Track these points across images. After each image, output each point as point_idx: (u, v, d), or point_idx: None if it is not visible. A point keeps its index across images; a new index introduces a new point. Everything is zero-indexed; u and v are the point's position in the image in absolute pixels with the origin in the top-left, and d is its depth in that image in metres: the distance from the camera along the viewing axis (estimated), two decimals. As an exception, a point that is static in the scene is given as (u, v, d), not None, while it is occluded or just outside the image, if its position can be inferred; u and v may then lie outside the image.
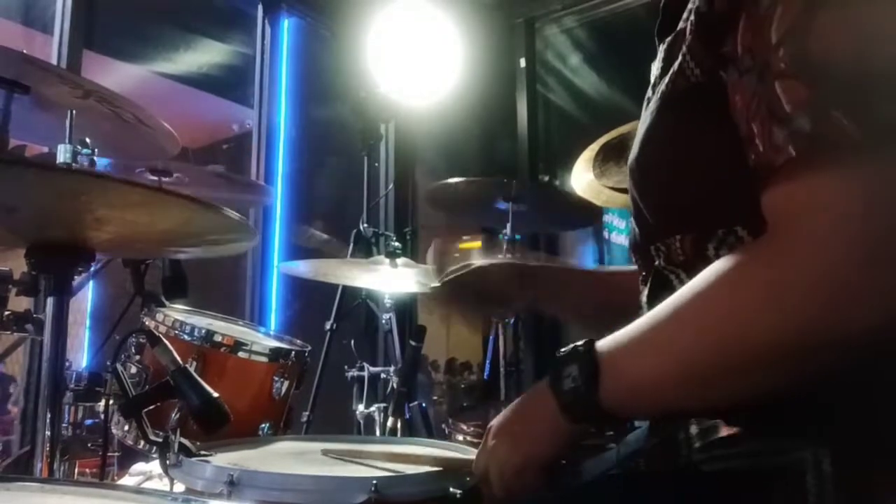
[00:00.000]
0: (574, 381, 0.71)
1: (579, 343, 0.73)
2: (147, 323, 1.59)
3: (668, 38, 0.80)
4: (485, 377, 3.04)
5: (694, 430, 0.75)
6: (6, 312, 1.35)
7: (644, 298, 0.85)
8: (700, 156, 0.74)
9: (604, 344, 0.72)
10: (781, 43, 0.61)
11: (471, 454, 1.22)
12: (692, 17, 0.74)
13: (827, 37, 0.60)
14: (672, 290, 0.77)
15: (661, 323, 0.68)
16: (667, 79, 0.77)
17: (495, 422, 0.83)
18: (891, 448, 0.65)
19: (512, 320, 2.80)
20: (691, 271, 0.74)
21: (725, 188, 0.72)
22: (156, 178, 2.04)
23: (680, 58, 0.75)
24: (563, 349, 0.75)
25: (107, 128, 1.62)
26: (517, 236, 2.60)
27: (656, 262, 0.81)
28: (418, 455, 1.19)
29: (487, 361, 2.95)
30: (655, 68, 0.84)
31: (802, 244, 0.59)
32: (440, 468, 1.09)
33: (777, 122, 0.61)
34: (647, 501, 0.77)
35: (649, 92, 0.84)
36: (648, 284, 0.84)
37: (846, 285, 0.57)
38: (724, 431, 0.72)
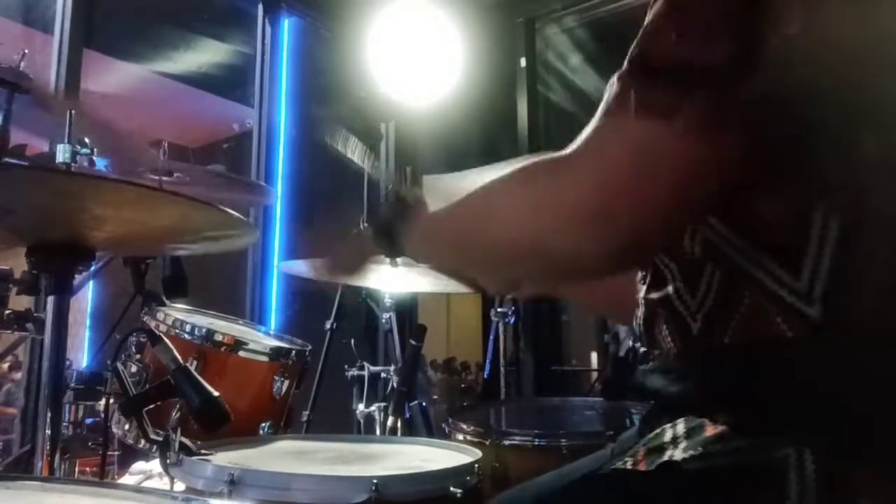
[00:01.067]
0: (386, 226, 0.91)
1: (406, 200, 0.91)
2: (147, 322, 1.60)
3: None
4: (485, 376, 3.04)
5: (681, 429, 0.76)
6: (7, 311, 1.35)
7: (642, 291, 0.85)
8: None
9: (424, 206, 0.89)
10: (637, 44, 0.72)
11: (471, 454, 1.22)
12: None
13: (658, 43, 0.70)
14: (664, 282, 0.79)
15: (456, 205, 0.82)
16: None
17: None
18: (873, 448, 0.66)
19: (512, 319, 2.81)
20: (678, 263, 0.77)
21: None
22: (156, 177, 2.03)
23: None
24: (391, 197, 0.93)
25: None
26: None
27: None
28: None
29: (488, 361, 2.95)
30: None
31: (575, 167, 0.71)
32: (440, 468, 1.09)
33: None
34: (631, 499, 0.78)
35: None
36: (648, 277, 0.84)
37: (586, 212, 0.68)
38: (710, 430, 0.73)
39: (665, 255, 0.80)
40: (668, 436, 0.78)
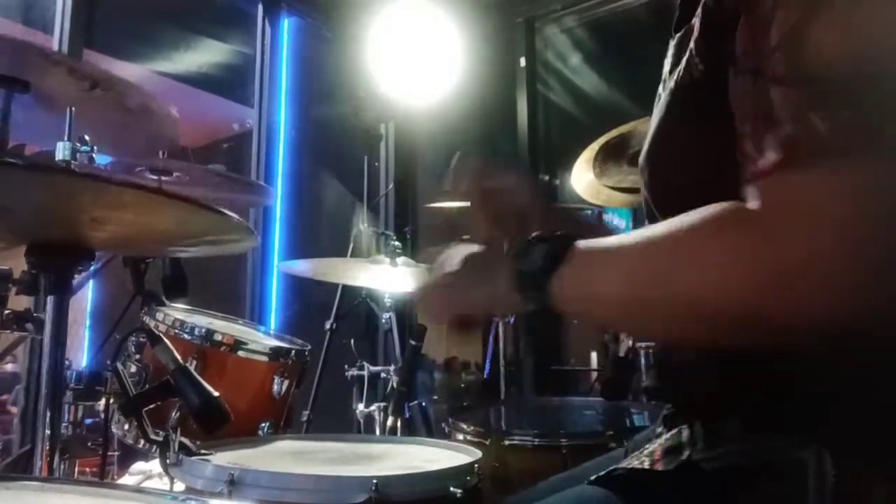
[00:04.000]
0: (533, 265, 0.74)
1: (560, 236, 0.75)
2: (147, 322, 1.59)
3: (679, 34, 0.80)
4: (485, 376, 3.04)
5: (698, 429, 0.76)
6: (6, 311, 1.34)
7: None
8: (707, 150, 0.74)
9: (580, 247, 0.74)
10: (778, 48, 0.62)
11: (471, 454, 1.22)
12: (700, 13, 0.74)
13: (821, 44, 0.60)
14: None
15: (631, 250, 0.70)
16: (675, 74, 0.77)
17: (466, 252, 0.85)
18: (892, 454, 0.65)
19: (512, 319, 2.80)
20: None
21: (732, 182, 0.72)
22: (156, 177, 2.03)
23: (687, 53, 0.75)
24: (544, 235, 0.76)
25: (108, 119, 1.61)
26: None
27: None
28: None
29: (487, 361, 2.96)
30: (667, 64, 0.84)
31: (766, 231, 0.61)
32: (440, 468, 1.09)
33: (768, 127, 0.62)
34: (648, 499, 0.78)
35: (660, 88, 0.84)
36: None
37: (796, 276, 0.58)
38: (728, 431, 0.73)
39: None
40: (685, 436, 0.78)
